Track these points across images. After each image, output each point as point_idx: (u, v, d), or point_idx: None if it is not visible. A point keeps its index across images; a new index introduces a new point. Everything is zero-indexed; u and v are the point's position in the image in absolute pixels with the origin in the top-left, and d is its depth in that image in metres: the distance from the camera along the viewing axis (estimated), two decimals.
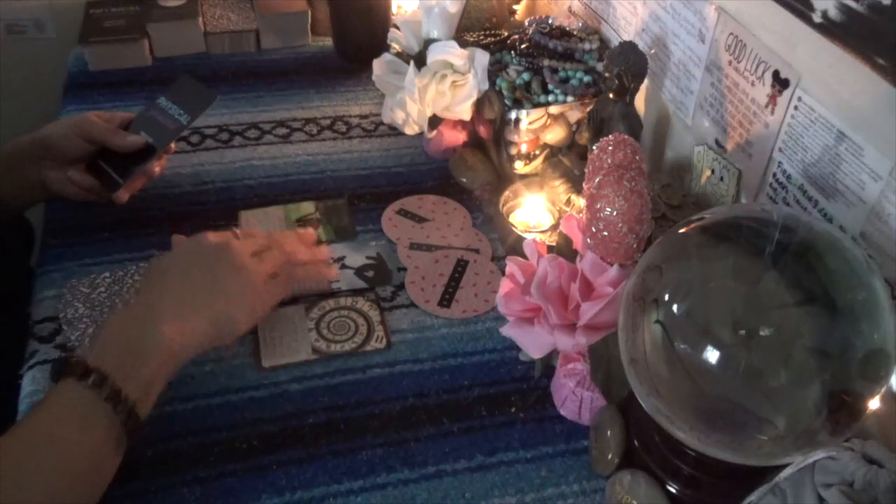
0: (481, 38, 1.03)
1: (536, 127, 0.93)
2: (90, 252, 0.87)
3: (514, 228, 0.89)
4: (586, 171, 0.69)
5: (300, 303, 0.82)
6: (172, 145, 0.94)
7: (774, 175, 0.74)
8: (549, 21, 1.01)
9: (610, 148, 0.67)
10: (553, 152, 0.96)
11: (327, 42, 1.28)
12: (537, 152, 0.96)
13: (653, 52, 0.92)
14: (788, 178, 0.72)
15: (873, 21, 0.59)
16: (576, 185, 0.90)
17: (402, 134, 1.03)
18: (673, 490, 0.63)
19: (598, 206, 0.66)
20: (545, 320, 0.69)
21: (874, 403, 0.53)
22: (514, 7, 1.21)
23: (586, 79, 0.94)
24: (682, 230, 0.60)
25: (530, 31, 0.98)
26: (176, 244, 0.78)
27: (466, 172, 1.00)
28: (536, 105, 0.93)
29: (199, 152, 1.02)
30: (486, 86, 0.94)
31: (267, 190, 0.98)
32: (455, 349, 0.79)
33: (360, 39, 1.20)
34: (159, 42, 1.20)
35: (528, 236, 0.86)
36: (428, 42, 0.96)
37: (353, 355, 0.78)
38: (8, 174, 0.86)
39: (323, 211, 0.94)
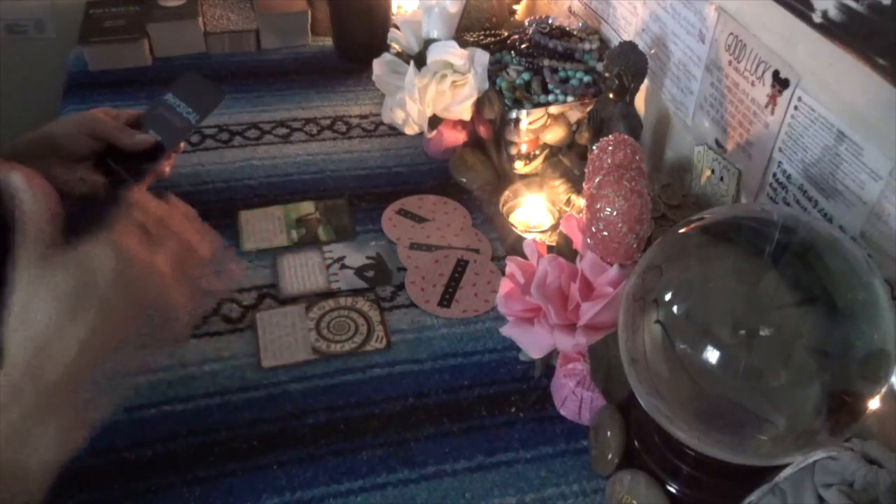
0: (481, 38, 1.03)
1: (536, 127, 0.93)
2: None
3: (514, 228, 0.89)
4: (586, 171, 0.69)
5: (300, 303, 0.82)
6: (181, 144, 0.95)
7: (774, 175, 0.74)
8: (549, 21, 1.01)
9: (610, 148, 0.67)
10: (553, 152, 0.96)
11: (327, 42, 1.28)
12: (537, 152, 0.96)
13: (653, 52, 0.92)
14: (788, 178, 0.72)
15: (873, 21, 0.59)
16: (576, 185, 0.90)
17: (402, 134, 1.03)
18: (673, 490, 0.63)
19: (598, 206, 0.66)
20: (545, 320, 0.69)
21: (874, 403, 0.53)
22: (514, 7, 1.21)
23: (586, 79, 0.94)
24: (682, 230, 0.60)
25: (530, 31, 0.98)
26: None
27: (466, 172, 1.00)
28: (536, 105, 0.93)
29: (199, 152, 1.02)
30: (486, 86, 0.94)
31: (267, 190, 0.98)
32: (455, 349, 0.79)
33: (360, 39, 1.20)
34: (159, 42, 1.20)
35: (528, 236, 0.86)
36: (428, 42, 0.96)
37: (353, 355, 0.78)
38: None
39: (323, 211, 0.94)
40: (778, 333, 0.54)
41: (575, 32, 1.00)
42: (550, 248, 0.75)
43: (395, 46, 1.00)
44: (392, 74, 0.98)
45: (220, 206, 0.95)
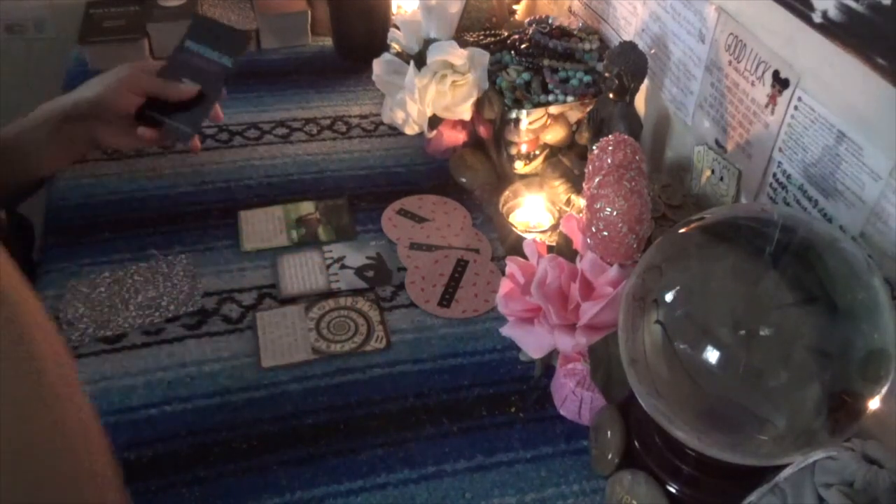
0: (481, 38, 1.03)
1: (536, 127, 0.93)
2: (90, 252, 0.87)
3: (514, 228, 0.89)
4: (586, 171, 0.69)
5: (300, 303, 0.82)
6: (224, 90, 0.98)
7: (774, 175, 0.74)
8: (549, 21, 1.01)
9: (610, 148, 0.67)
10: (553, 152, 0.96)
11: (327, 42, 1.28)
12: (537, 152, 0.96)
13: (653, 52, 0.92)
14: (788, 178, 0.72)
15: (873, 21, 0.59)
16: (576, 185, 0.90)
17: (402, 134, 1.03)
18: (673, 490, 0.63)
19: (598, 206, 0.66)
20: (545, 320, 0.69)
21: (874, 403, 0.53)
22: (514, 7, 1.21)
23: (586, 79, 0.94)
24: (682, 230, 0.60)
25: (530, 31, 0.98)
26: None
27: (466, 172, 1.00)
28: (536, 105, 0.93)
29: (199, 152, 1.02)
30: (486, 86, 0.94)
31: (267, 190, 0.98)
32: (455, 349, 0.79)
33: (360, 39, 1.20)
34: (159, 42, 1.20)
35: (528, 236, 0.86)
36: (428, 42, 0.96)
37: (353, 355, 0.78)
38: (55, 137, 0.89)
39: (323, 211, 0.94)
40: (778, 333, 0.54)
41: (575, 32, 1.00)
42: (550, 248, 0.75)
43: (395, 46, 1.00)
44: (392, 74, 0.98)
45: (220, 206, 0.95)
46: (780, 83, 0.71)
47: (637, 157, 0.67)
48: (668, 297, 0.57)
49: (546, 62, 0.95)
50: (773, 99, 0.72)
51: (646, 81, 0.87)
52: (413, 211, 0.95)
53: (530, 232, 0.89)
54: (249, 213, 0.94)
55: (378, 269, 0.87)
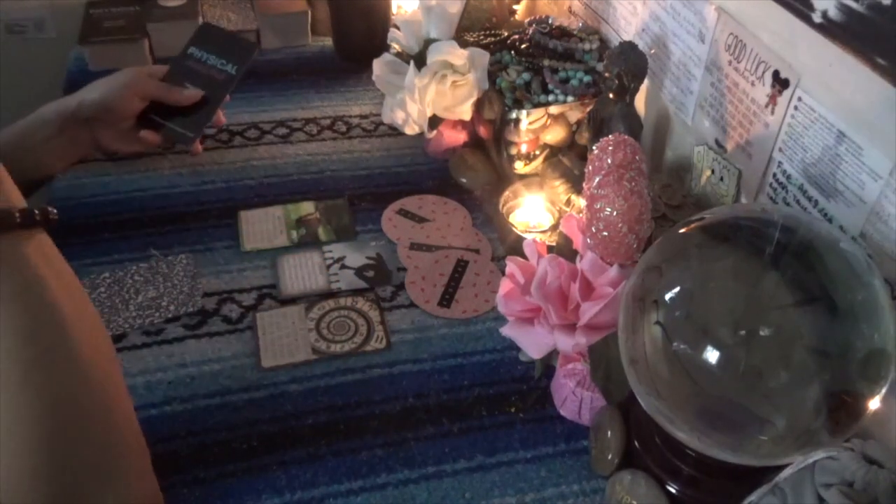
0: (481, 38, 1.03)
1: (536, 127, 0.93)
2: (90, 252, 0.87)
3: (514, 228, 0.89)
4: (586, 171, 0.69)
5: (300, 303, 0.82)
6: (228, 96, 0.98)
7: (774, 175, 0.74)
8: (549, 21, 1.01)
9: (610, 148, 0.67)
10: (553, 152, 0.96)
11: (327, 42, 1.28)
12: (537, 152, 0.96)
13: (653, 52, 0.92)
14: (788, 178, 0.72)
15: (873, 21, 0.59)
16: (576, 185, 0.90)
17: (402, 134, 1.03)
18: (673, 490, 0.63)
19: (598, 206, 0.66)
20: (545, 320, 0.69)
21: (874, 403, 0.53)
22: (514, 7, 1.21)
23: (586, 79, 0.94)
24: (682, 230, 0.60)
25: (530, 31, 0.99)
26: None
27: (466, 172, 1.00)
28: (536, 105, 0.93)
29: (201, 150, 1.02)
30: (486, 86, 0.94)
31: (267, 190, 0.98)
32: (455, 349, 0.79)
33: (360, 39, 1.20)
34: (159, 42, 1.20)
35: (528, 236, 0.86)
36: (428, 42, 0.96)
37: (353, 355, 0.78)
38: (58, 137, 0.90)
39: (323, 211, 0.94)
40: (778, 333, 0.54)
41: (575, 32, 1.00)
42: (550, 248, 0.75)
43: (395, 46, 1.00)
44: (392, 74, 0.98)
45: (220, 206, 0.95)
46: (780, 83, 0.71)
47: (637, 157, 0.67)
48: (668, 297, 0.57)
49: (546, 62, 0.95)
50: (773, 99, 0.72)
51: (646, 81, 0.87)
52: (413, 211, 0.95)
53: (530, 232, 0.89)
54: (249, 213, 0.94)
55: (378, 270, 0.87)
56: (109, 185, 0.97)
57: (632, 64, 0.81)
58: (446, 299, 0.84)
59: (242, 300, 0.83)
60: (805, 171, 0.70)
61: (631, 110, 0.84)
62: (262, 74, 1.19)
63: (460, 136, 1.02)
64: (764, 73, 0.73)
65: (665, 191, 0.85)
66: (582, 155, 0.94)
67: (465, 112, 0.96)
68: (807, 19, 0.65)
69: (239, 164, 1.01)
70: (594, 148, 0.69)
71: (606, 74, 0.83)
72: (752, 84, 0.75)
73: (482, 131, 1.00)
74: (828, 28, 0.63)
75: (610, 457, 0.66)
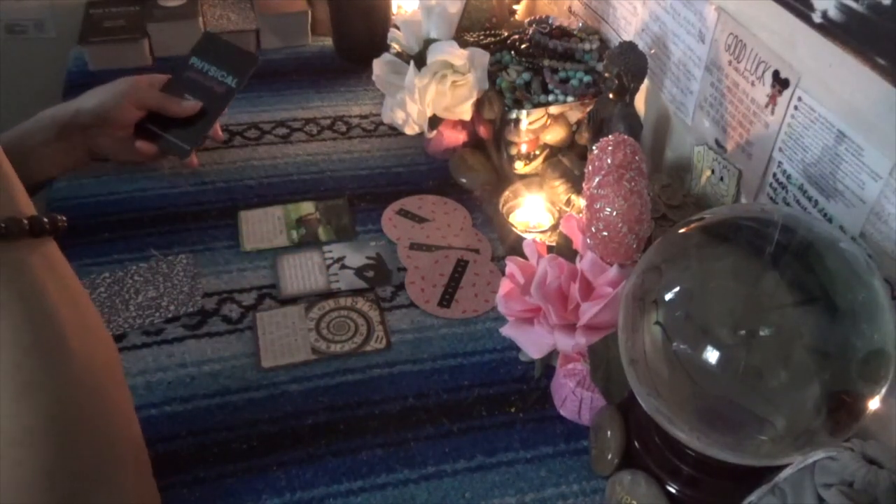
0: (481, 38, 1.03)
1: (536, 127, 0.93)
2: (90, 252, 0.87)
3: (514, 228, 0.89)
4: (586, 171, 0.69)
5: (300, 303, 0.82)
6: (225, 109, 0.98)
7: (774, 175, 0.74)
8: (549, 21, 1.01)
9: (610, 148, 0.67)
10: (553, 152, 0.96)
11: (327, 42, 1.28)
12: (537, 152, 0.96)
13: (653, 52, 0.92)
14: (788, 178, 0.72)
15: (873, 21, 0.58)
16: (576, 185, 0.90)
17: (402, 134, 1.03)
18: (673, 490, 0.63)
19: (598, 206, 0.66)
20: (545, 320, 0.69)
21: (874, 403, 0.53)
22: (514, 7, 1.21)
23: (586, 79, 0.94)
24: (682, 230, 0.60)
25: (530, 31, 0.99)
26: None
27: (466, 173, 1.00)
28: (536, 105, 0.93)
29: (199, 152, 1.02)
30: (486, 86, 0.94)
31: (267, 190, 0.98)
32: (455, 349, 0.79)
33: (360, 39, 1.20)
34: (159, 42, 1.20)
35: (528, 236, 0.86)
36: (428, 42, 0.96)
37: (353, 355, 0.78)
38: (55, 144, 0.89)
39: (323, 211, 0.94)
40: (778, 333, 0.54)
41: (575, 32, 1.00)
42: (550, 248, 0.75)
43: (395, 46, 1.00)
44: (392, 74, 0.98)
45: (220, 206, 0.95)
46: (780, 83, 0.71)
47: (637, 157, 0.67)
48: (668, 297, 0.57)
49: (546, 62, 0.95)
50: (773, 99, 0.72)
51: (646, 81, 0.87)
52: (413, 211, 0.95)
53: (530, 232, 0.89)
54: (249, 213, 0.94)
55: (378, 270, 0.87)
56: (109, 185, 0.97)
57: (632, 64, 0.81)
58: (446, 299, 0.84)
59: (242, 300, 0.83)
60: (805, 171, 0.70)
61: (631, 110, 0.84)
62: (262, 74, 1.19)
63: (460, 136, 1.02)
64: (764, 73, 0.73)
65: (665, 191, 0.85)
66: (582, 155, 0.94)
67: (465, 112, 0.96)
68: (807, 19, 0.65)
69: (239, 164, 1.01)
70: (594, 148, 0.68)
71: (606, 74, 0.83)
72: (752, 84, 0.75)
73: (482, 131, 1.00)
74: (828, 28, 0.63)
75: (610, 457, 0.66)
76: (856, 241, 0.64)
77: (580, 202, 0.84)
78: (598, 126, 0.87)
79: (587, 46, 0.96)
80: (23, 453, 0.47)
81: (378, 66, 0.99)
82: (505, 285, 0.73)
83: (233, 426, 0.71)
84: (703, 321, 0.56)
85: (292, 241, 0.90)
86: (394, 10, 1.22)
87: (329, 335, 0.79)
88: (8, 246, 0.48)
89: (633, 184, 0.65)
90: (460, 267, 0.88)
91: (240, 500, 0.65)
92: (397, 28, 0.99)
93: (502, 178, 0.98)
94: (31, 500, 0.47)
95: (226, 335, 0.79)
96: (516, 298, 0.71)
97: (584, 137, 0.94)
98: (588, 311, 0.66)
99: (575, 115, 0.94)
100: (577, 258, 0.70)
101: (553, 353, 0.73)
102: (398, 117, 0.99)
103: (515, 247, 0.85)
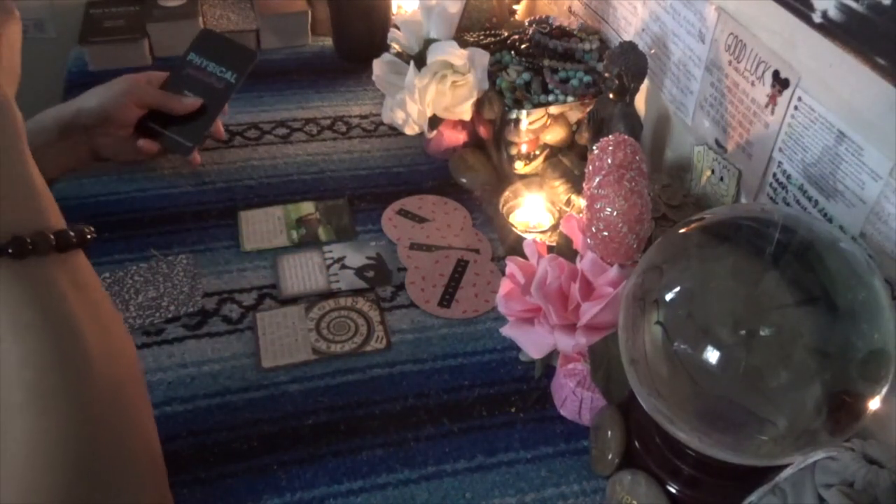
0: (481, 38, 1.03)
1: (536, 127, 0.93)
2: (90, 252, 0.86)
3: (514, 228, 0.89)
4: (586, 171, 0.69)
5: (300, 303, 0.82)
6: (226, 106, 0.97)
7: (774, 175, 0.74)
8: (549, 21, 1.01)
9: (610, 148, 0.67)
10: (553, 152, 0.96)
11: (327, 42, 1.28)
12: (537, 152, 0.96)
13: (653, 52, 0.92)
14: (788, 178, 0.72)
15: (873, 21, 0.59)
16: (576, 185, 0.90)
17: (402, 134, 1.03)
18: (673, 490, 0.63)
19: (598, 206, 0.66)
20: (545, 320, 0.69)
21: (874, 403, 0.53)
22: (514, 7, 1.21)
23: (586, 79, 0.94)
24: (682, 230, 0.60)
25: (530, 31, 0.99)
26: None
27: (466, 173, 1.00)
28: (536, 105, 0.93)
29: (199, 152, 1.02)
30: (486, 86, 0.94)
31: (267, 190, 0.98)
32: (455, 349, 0.79)
33: (360, 39, 1.20)
34: (159, 42, 1.20)
35: (528, 236, 0.86)
36: (428, 42, 0.96)
37: (353, 355, 0.78)
38: (56, 145, 0.89)
39: (323, 211, 0.94)
40: (778, 333, 0.54)
41: (575, 32, 1.00)
42: (550, 248, 0.75)
43: (395, 46, 1.00)
44: (392, 74, 0.98)
45: (220, 206, 0.95)
46: (780, 83, 0.71)
47: (637, 157, 0.67)
48: (669, 297, 0.57)
49: (546, 62, 0.95)
50: (773, 99, 0.72)
51: (646, 81, 0.87)
52: (413, 211, 0.95)
53: (530, 232, 0.89)
54: (249, 214, 0.94)
55: (378, 270, 0.87)
56: (110, 185, 0.97)
57: (632, 64, 0.81)
58: (446, 299, 0.84)
59: (242, 300, 0.83)
60: (805, 171, 0.70)
61: (631, 110, 0.84)
62: (262, 74, 1.19)
63: (460, 136, 1.02)
64: (764, 73, 0.73)
65: (665, 191, 0.85)
66: (582, 155, 0.94)
67: (465, 112, 0.96)
68: (807, 19, 0.65)
69: (239, 165, 1.01)
70: (594, 148, 0.69)
71: (606, 74, 0.83)
72: (752, 84, 0.75)
73: (482, 131, 1.00)
74: (828, 28, 0.63)
75: (610, 457, 0.66)
76: (856, 241, 0.64)
77: (580, 202, 0.84)
78: (598, 126, 0.87)
79: (587, 46, 0.96)
80: (41, 469, 0.47)
81: (378, 66, 0.99)
82: (505, 285, 0.73)
83: (233, 426, 0.71)
84: (704, 321, 0.55)
85: (292, 241, 0.90)
86: (394, 10, 1.22)
87: (329, 335, 0.79)
88: (34, 262, 0.48)
89: (633, 184, 0.65)
90: (460, 267, 0.88)
91: (240, 500, 0.65)
92: (397, 28, 0.99)
93: (502, 178, 0.98)
94: None
95: (226, 335, 0.79)
96: (516, 298, 0.71)
97: (584, 137, 0.94)
98: (588, 311, 0.66)
99: (575, 115, 0.94)
100: (578, 258, 0.70)
101: (553, 353, 0.73)
102: (398, 117, 0.99)
103: (515, 247, 0.85)
